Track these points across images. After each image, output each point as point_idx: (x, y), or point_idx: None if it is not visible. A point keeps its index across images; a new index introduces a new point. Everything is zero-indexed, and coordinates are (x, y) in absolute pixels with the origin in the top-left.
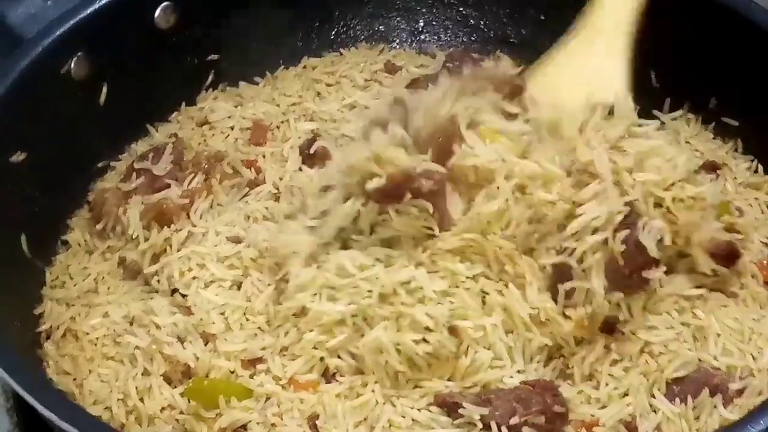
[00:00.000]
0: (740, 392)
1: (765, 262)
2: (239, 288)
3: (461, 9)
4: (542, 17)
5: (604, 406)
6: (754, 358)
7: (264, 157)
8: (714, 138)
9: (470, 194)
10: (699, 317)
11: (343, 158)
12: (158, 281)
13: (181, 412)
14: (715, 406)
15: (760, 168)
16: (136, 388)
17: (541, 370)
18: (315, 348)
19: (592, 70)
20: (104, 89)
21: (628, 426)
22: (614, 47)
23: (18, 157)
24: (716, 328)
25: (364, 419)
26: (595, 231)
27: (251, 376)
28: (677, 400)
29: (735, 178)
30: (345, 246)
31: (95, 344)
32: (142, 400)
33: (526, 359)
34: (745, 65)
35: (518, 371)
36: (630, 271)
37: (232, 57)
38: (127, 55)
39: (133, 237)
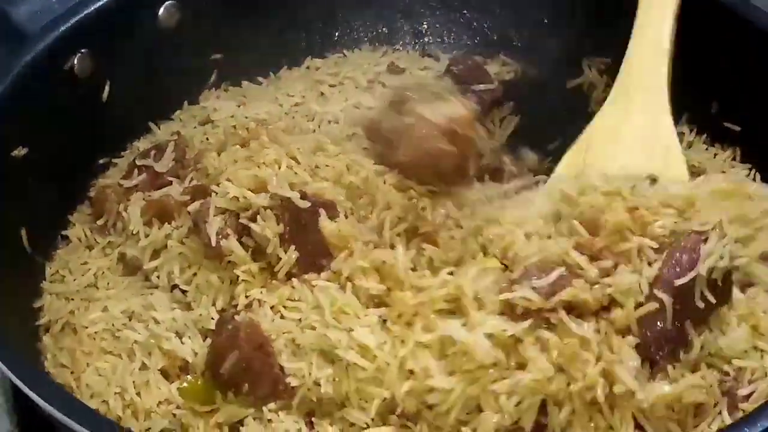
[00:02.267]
0: (747, 397)
1: None
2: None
3: (464, 11)
4: (545, 20)
5: None
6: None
7: None
8: (713, 145)
9: None
10: None
11: None
12: (158, 277)
13: (178, 407)
14: (719, 413)
15: (758, 177)
16: (134, 382)
17: None
18: None
19: (636, 130)
20: (107, 86)
21: None
22: (656, 103)
23: (20, 151)
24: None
25: None
26: None
27: None
28: None
29: None
30: None
31: (94, 338)
32: (139, 394)
33: None
34: (748, 69)
35: None
36: None
37: (235, 56)
38: (130, 53)
39: (134, 233)
